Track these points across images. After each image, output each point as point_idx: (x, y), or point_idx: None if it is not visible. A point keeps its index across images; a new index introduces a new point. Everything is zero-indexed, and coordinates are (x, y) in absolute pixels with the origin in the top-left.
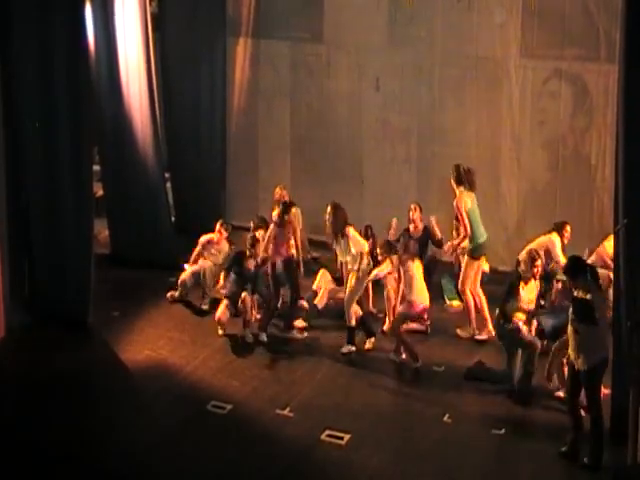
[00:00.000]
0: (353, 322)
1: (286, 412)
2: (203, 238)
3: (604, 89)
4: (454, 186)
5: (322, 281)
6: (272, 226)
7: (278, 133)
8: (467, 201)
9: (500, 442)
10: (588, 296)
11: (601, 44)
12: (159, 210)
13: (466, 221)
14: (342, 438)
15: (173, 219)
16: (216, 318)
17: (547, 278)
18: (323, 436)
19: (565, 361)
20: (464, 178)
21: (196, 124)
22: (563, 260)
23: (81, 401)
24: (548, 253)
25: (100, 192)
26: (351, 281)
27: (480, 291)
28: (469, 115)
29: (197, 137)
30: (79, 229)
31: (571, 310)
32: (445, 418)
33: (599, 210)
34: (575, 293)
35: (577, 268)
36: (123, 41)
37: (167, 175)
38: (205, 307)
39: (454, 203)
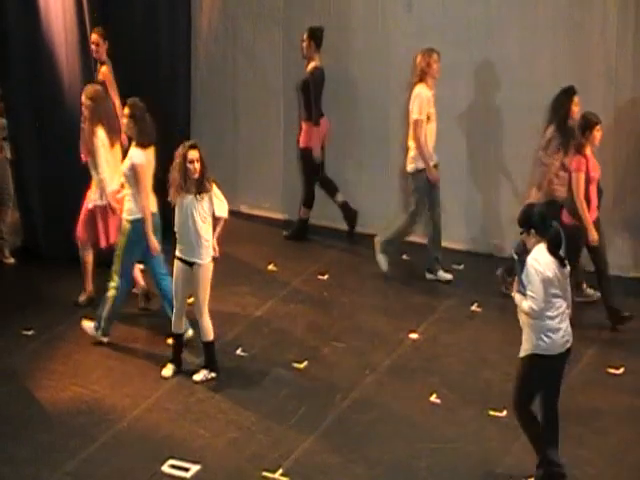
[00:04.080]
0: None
1: (277, 476)
2: None
3: None
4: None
5: None
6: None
7: (267, 75)
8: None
9: None
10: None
11: None
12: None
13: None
14: None
15: None
16: None
17: None
18: None
19: None
20: None
21: (149, 63)
22: None
23: None
24: None
25: (8, 155)
26: (204, 273)
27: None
28: (542, 45)
29: (151, 85)
30: None
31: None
32: None
33: None
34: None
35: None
36: None
37: None
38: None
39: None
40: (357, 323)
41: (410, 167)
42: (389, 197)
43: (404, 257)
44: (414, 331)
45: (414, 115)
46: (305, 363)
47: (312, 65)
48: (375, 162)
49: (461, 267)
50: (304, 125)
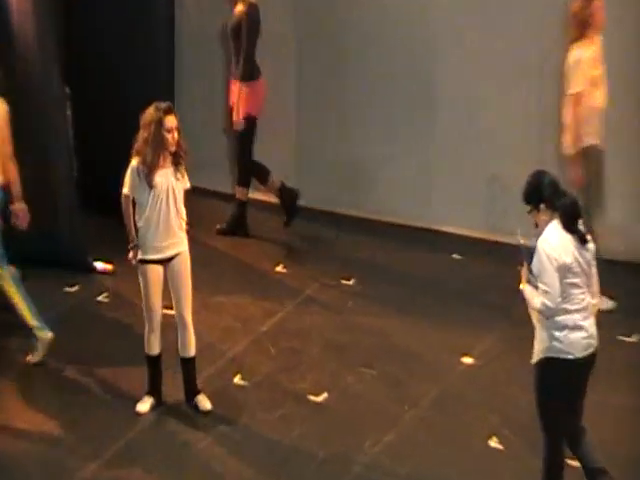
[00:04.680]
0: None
1: None
2: None
3: None
4: None
5: None
6: None
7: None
8: None
9: None
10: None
11: None
12: (54, 175)
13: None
14: None
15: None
16: None
17: None
18: None
19: None
20: None
21: (121, 40)
22: None
23: None
24: None
25: None
26: (187, 262)
27: None
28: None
29: (120, 63)
30: None
31: None
32: None
33: None
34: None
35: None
36: None
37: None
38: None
39: None
40: (392, 343)
41: (568, 152)
42: (416, 182)
43: (454, 256)
44: (468, 354)
45: (570, 89)
46: (324, 395)
47: (245, 4)
48: (401, 142)
49: None
50: (243, 87)
